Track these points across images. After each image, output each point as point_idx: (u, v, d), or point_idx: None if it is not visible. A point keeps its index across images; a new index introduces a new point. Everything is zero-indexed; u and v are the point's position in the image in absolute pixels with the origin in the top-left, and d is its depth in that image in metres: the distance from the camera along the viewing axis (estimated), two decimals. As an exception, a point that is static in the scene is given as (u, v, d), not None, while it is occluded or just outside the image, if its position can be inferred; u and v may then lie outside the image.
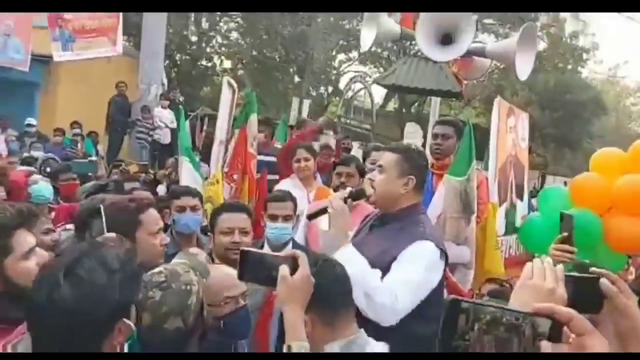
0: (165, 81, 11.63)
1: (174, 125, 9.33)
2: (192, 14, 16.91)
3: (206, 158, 5.39)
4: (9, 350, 1.26)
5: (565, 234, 2.27)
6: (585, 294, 1.08)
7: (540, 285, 0.99)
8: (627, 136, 22.51)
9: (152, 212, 1.91)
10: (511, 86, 15.97)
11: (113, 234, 1.57)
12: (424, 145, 6.33)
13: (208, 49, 18.04)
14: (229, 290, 1.76)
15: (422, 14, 6.17)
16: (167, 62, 14.34)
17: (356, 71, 19.18)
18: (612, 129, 23.15)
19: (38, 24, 8.08)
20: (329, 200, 2.15)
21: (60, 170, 4.47)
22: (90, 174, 4.49)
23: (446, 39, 6.16)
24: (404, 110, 17.66)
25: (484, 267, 3.06)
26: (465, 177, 2.94)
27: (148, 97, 10.62)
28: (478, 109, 18.47)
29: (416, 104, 17.33)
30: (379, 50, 17.95)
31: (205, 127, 10.44)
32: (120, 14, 8.71)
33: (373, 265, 1.99)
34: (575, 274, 1.14)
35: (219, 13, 17.39)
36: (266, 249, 2.79)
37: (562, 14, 18.69)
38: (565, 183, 8.67)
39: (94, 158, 5.18)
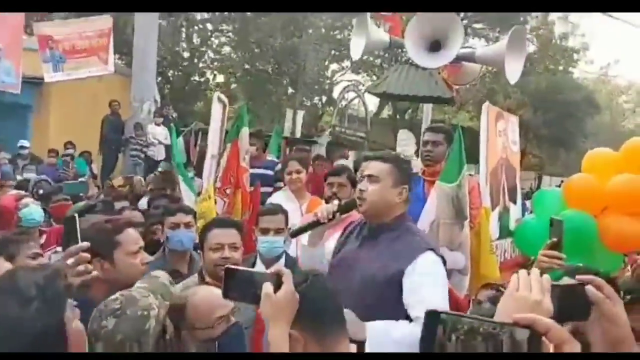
0: (158, 98, 11.64)
1: (168, 141, 9.33)
2: (184, 30, 17.00)
3: (201, 173, 5.38)
4: None
5: (555, 239, 2.23)
6: (572, 302, 1.08)
7: (526, 296, 0.98)
8: (621, 134, 22.60)
9: (131, 232, 1.90)
10: (503, 89, 16.03)
11: (86, 243, 1.54)
12: (417, 152, 6.33)
13: (200, 64, 18.10)
14: (218, 310, 1.74)
15: (410, 22, 6.21)
16: (159, 78, 14.37)
17: (349, 80, 19.24)
18: (606, 127, 23.25)
19: (28, 47, 8.12)
20: (314, 214, 2.12)
21: (52, 192, 4.44)
22: (81, 194, 4.46)
23: (435, 46, 6.19)
24: (398, 117, 17.71)
25: (479, 272, 3.03)
26: (457, 183, 2.93)
27: (141, 114, 10.63)
28: (471, 112, 18.53)
29: (410, 110, 17.37)
30: (371, 59, 18.03)
31: (199, 142, 10.45)
32: (111, 33, 8.75)
33: (375, 279, 1.99)
34: (561, 282, 1.14)
35: (210, 28, 17.49)
36: (259, 264, 2.76)
37: (551, 16, 18.84)
38: (561, 183, 8.66)
39: (84, 179, 5.15)
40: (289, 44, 16.29)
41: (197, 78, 18.05)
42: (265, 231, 2.76)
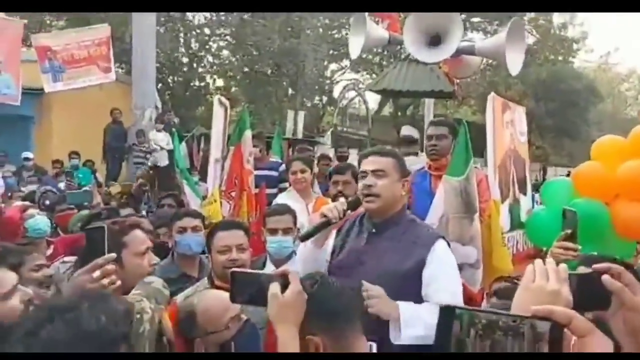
0: (159, 104, 11.64)
1: (170, 147, 9.31)
2: (182, 36, 17.02)
3: (205, 177, 5.36)
4: None
5: (569, 230, 2.19)
6: (591, 292, 1.04)
7: (543, 287, 0.95)
8: (624, 121, 22.49)
9: (137, 233, 1.89)
10: (504, 81, 15.97)
11: (113, 255, 1.52)
12: (421, 147, 6.29)
13: (200, 69, 18.12)
14: (229, 312, 1.73)
15: (408, 18, 6.17)
16: (159, 85, 14.39)
17: (349, 79, 19.25)
18: (608, 115, 23.17)
19: (27, 58, 8.14)
20: (321, 214, 2.08)
21: (57, 202, 4.43)
22: (85, 203, 4.45)
23: (435, 40, 6.15)
24: (399, 113, 17.68)
25: (492, 265, 2.99)
26: (464, 177, 2.89)
27: (143, 121, 10.63)
28: (473, 106, 18.48)
29: (411, 106, 17.33)
30: (370, 57, 18.00)
31: (202, 147, 10.44)
32: (110, 41, 8.76)
33: (395, 272, 1.99)
34: (578, 272, 1.10)
35: (207, 32, 17.49)
36: (269, 264, 2.74)
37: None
38: (568, 173, 8.59)
39: (88, 188, 5.14)
40: (287, 46, 16.28)
41: (197, 83, 18.08)
42: (273, 231, 2.75)
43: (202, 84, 18.33)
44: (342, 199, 2.15)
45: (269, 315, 1.30)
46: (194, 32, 17.40)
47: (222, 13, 16.25)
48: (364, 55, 14.29)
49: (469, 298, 2.65)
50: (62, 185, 6.71)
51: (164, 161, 9.56)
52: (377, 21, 7.33)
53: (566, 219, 2.22)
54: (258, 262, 2.77)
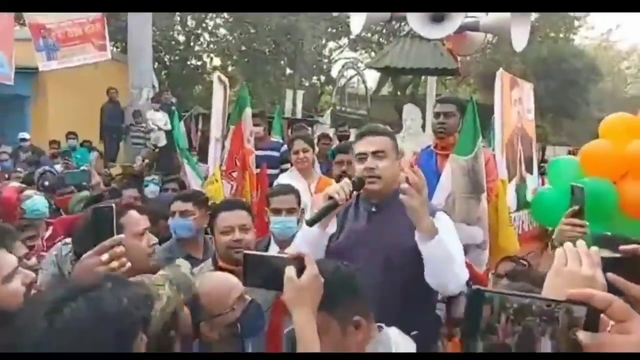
0: (156, 84, 11.50)
1: (168, 127, 9.23)
2: (178, 13, 16.72)
3: (204, 158, 5.30)
4: None
5: (576, 207, 2.15)
6: (621, 275, 0.99)
7: (576, 271, 0.91)
8: (625, 100, 22.36)
9: (133, 214, 1.84)
10: (505, 59, 15.79)
11: (121, 236, 1.47)
12: (423, 126, 6.23)
13: (197, 48, 17.88)
14: (233, 292, 1.71)
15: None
16: (156, 64, 14.18)
17: (347, 58, 19.01)
18: (609, 93, 22.98)
19: (21, 37, 7.98)
20: (326, 195, 2.02)
21: (56, 183, 4.36)
22: (84, 183, 4.39)
23: (438, 16, 6.02)
24: (398, 93, 17.52)
25: (498, 245, 2.97)
26: (472, 155, 2.84)
27: (140, 101, 10.51)
28: (473, 85, 18.32)
29: (410, 85, 17.16)
30: (369, 35, 17.76)
31: (200, 126, 10.35)
32: (105, 19, 8.60)
33: (408, 247, 1.98)
34: (606, 254, 1.06)
35: (204, 10, 17.20)
36: (272, 245, 2.70)
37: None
38: (569, 152, 8.55)
39: (85, 167, 5.07)
40: (285, 23, 16.02)
41: (194, 62, 17.84)
42: (277, 212, 2.69)
43: (199, 62, 18.09)
44: (346, 180, 2.09)
45: (285, 300, 1.26)
46: (189, 10, 17.09)
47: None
48: (362, 34, 14.07)
49: (475, 279, 2.62)
50: (58, 167, 6.62)
51: (162, 141, 9.49)
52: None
53: (574, 195, 2.17)
54: (262, 244, 2.72)
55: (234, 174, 4.09)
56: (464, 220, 2.85)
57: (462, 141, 2.90)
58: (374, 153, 2.07)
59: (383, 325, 1.47)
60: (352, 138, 7.20)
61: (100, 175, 5.37)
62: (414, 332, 2.00)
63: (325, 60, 19.67)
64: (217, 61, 18.65)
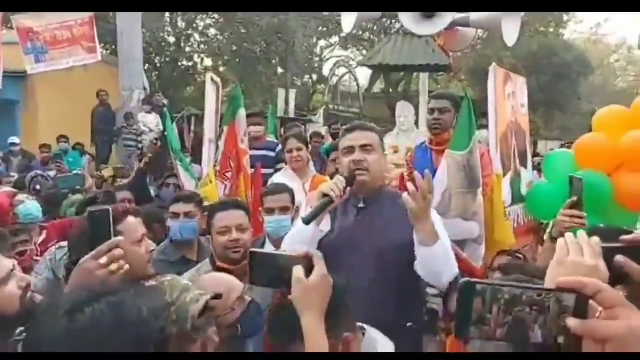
0: (147, 86, 11.42)
1: (160, 129, 9.18)
2: (167, 14, 16.63)
3: (197, 159, 5.26)
4: None
5: (575, 198, 2.16)
6: (616, 265, 0.99)
7: (579, 262, 0.92)
8: (615, 93, 22.50)
9: (131, 221, 1.81)
10: (496, 54, 15.84)
11: (119, 239, 1.45)
12: (416, 122, 6.23)
13: (187, 49, 17.78)
14: (233, 293, 1.70)
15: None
16: (147, 66, 14.09)
17: (339, 56, 19.00)
18: (599, 87, 23.14)
19: (9, 40, 7.91)
20: (320, 193, 2.01)
21: (48, 187, 4.32)
22: (77, 187, 4.34)
23: (429, 12, 6.02)
24: (390, 90, 17.49)
25: (494, 239, 2.97)
26: (468, 150, 2.83)
27: (131, 103, 10.44)
28: (465, 81, 18.36)
29: (403, 82, 17.16)
30: (360, 33, 17.74)
31: (192, 128, 10.29)
32: (94, 21, 8.54)
33: (402, 242, 1.98)
34: (604, 244, 1.06)
35: (194, 10, 17.09)
36: (268, 245, 2.69)
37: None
38: (562, 145, 8.59)
39: (79, 171, 5.02)
40: (276, 22, 15.97)
41: (185, 63, 17.74)
42: (270, 211, 2.70)
43: (191, 63, 17.99)
44: (339, 176, 2.09)
45: (293, 301, 1.23)
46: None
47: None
48: (353, 32, 14.06)
49: (471, 274, 2.62)
50: (51, 173, 6.57)
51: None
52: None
53: (572, 186, 2.18)
54: (257, 243, 2.71)
55: (228, 175, 4.06)
56: (461, 215, 2.85)
57: (457, 136, 2.90)
58: (362, 147, 2.08)
59: (365, 326, 1.45)
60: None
61: (93, 178, 5.33)
62: (409, 324, 2.03)
63: (317, 59, 19.65)
64: (208, 62, 18.57)
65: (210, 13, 17.18)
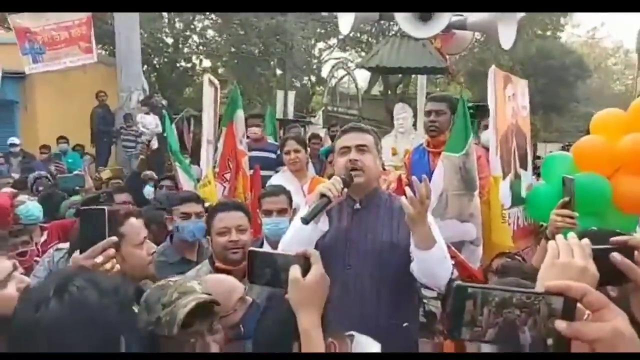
0: (146, 86, 11.41)
1: (159, 129, 9.18)
2: (165, 15, 16.63)
3: (196, 160, 5.27)
4: None
5: (567, 198, 2.18)
6: (606, 266, 1.01)
7: (569, 263, 0.93)
8: (612, 96, 22.58)
9: (133, 222, 1.82)
10: (493, 57, 15.88)
11: (114, 239, 1.46)
12: (414, 124, 6.24)
13: (185, 50, 17.75)
14: (234, 294, 1.71)
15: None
16: (145, 67, 14.07)
17: (337, 58, 19.02)
18: (596, 90, 23.23)
19: (8, 41, 7.91)
20: (319, 194, 2.02)
21: (50, 187, 4.33)
22: (77, 187, 4.35)
23: (426, 15, 6.04)
24: (389, 92, 17.52)
25: (492, 241, 2.99)
26: (464, 153, 2.85)
27: (130, 104, 10.43)
28: (463, 84, 18.40)
29: (401, 84, 17.20)
30: (358, 35, 17.77)
31: (192, 129, 10.29)
32: (91, 22, 8.55)
33: (398, 242, 2.00)
34: (594, 246, 1.07)
35: (192, 11, 17.09)
36: (265, 246, 2.70)
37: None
38: (562, 147, 8.61)
39: (79, 172, 5.03)
40: (274, 24, 15.98)
41: (183, 64, 17.73)
42: (268, 213, 2.72)
43: (189, 64, 17.98)
44: (336, 177, 2.10)
45: (290, 300, 1.23)
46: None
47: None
48: (351, 34, 14.08)
49: (469, 276, 2.63)
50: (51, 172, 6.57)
51: (154, 144, 9.42)
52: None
53: (565, 186, 2.21)
54: (255, 245, 2.72)
55: (227, 176, 4.07)
56: (457, 217, 2.87)
57: (453, 138, 2.91)
58: (358, 147, 2.09)
59: (354, 333, 1.46)
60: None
61: (92, 179, 5.33)
62: (405, 324, 2.04)
63: (315, 61, 19.64)
64: (206, 63, 18.57)
65: (208, 14, 17.18)
